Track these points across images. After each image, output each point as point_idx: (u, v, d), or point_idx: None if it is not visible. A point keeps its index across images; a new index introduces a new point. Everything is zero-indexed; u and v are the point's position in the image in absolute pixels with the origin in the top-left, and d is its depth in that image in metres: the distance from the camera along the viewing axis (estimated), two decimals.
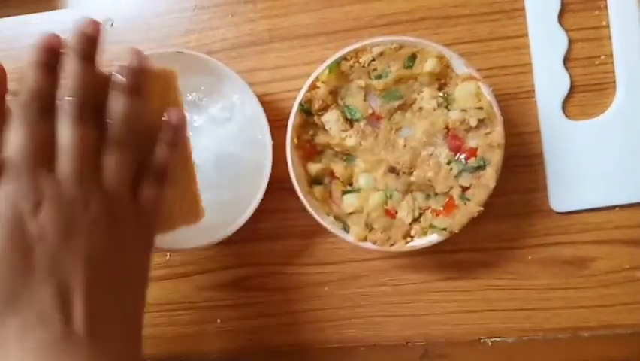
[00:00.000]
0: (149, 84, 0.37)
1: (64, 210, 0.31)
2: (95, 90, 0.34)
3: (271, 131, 0.47)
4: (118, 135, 0.34)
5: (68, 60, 0.33)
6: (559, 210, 0.50)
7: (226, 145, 0.50)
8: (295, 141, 0.47)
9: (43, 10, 0.54)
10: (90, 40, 0.34)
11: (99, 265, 0.32)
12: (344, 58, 0.46)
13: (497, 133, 0.45)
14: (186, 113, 0.39)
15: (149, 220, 0.37)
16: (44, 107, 0.33)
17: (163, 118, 0.37)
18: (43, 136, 0.32)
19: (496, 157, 0.45)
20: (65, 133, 0.32)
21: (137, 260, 0.36)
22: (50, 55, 0.34)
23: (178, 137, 0.38)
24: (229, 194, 0.49)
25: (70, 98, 0.33)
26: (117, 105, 0.34)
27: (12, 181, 0.31)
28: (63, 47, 0.34)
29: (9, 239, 0.30)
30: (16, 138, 0.32)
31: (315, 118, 0.47)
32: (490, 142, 0.45)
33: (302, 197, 0.46)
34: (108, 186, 0.34)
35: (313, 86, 0.46)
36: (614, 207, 0.49)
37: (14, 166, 0.31)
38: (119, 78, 0.35)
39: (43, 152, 0.32)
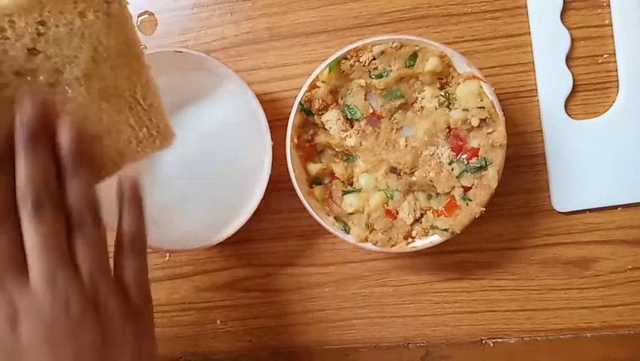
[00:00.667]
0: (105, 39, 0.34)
1: (42, 319, 0.30)
2: (47, 178, 0.32)
3: (270, 131, 0.46)
4: (80, 219, 0.32)
5: (17, 154, 0.31)
6: (561, 211, 0.49)
7: (225, 145, 0.49)
8: (295, 140, 0.46)
9: None
10: (34, 126, 0.32)
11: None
12: (344, 57, 0.46)
13: (499, 133, 0.44)
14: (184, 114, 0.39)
15: (138, 291, 0.35)
16: (3, 209, 0.31)
17: (117, 186, 0.36)
18: (8, 243, 0.30)
19: (498, 157, 0.45)
20: (29, 233, 0.30)
21: (133, 336, 0.34)
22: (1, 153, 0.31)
23: (139, 203, 0.36)
24: (228, 195, 0.49)
25: (25, 194, 0.31)
26: (70, 189, 0.32)
27: None
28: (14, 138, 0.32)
29: None
30: None
31: (315, 118, 0.47)
32: (492, 142, 0.45)
33: (302, 197, 0.46)
34: (86, 276, 0.32)
35: (313, 86, 0.46)
36: (616, 207, 0.49)
37: None
38: (62, 159, 0.33)
39: (10, 260, 0.30)
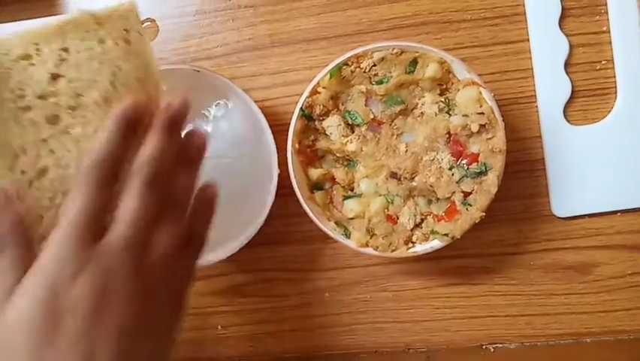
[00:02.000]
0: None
1: (100, 283, 0.31)
2: (167, 164, 0.34)
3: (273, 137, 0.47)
4: (177, 210, 0.35)
5: (154, 131, 0.34)
6: (560, 216, 0.50)
7: (232, 160, 0.50)
8: (296, 146, 0.47)
9: (42, 16, 0.54)
10: (178, 116, 0.35)
11: (127, 341, 0.31)
12: (345, 63, 0.46)
13: (499, 138, 0.45)
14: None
15: (184, 286, 0.36)
16: (110, 173, 0.33)
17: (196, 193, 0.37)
18: (99, 204, 0.32)
19: (497, 162, 0.45)
20: (131, 198, 0.32)
21: (166, 331, 0.35)
22: (133, 122, 0.34)
23: (212, 211, 0.38)
24: (232, 207, 0.49)
25: (146, 163, 0.33)
26: (183, 180, 0.35)
27: (56, 248, 0.31)
28: (147, 116, 0.35)
29: (39, 307, 0.30)
30: (72, 202, 0.32)
31: (316, 123, 0.47)
32: (491, 147, 0.45)
33: (303, 202, 0.46)
34: (158, 257, 0.33)
35: (314, 92, 0.46)
36: (615, 212, 0.49)
37: (63, 232, 0.31)
38: (185, 152, 0.36)
39: (94, 221, 0.32)
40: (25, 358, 0.29)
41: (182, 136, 0.36)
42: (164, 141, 0.34)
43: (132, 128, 0.34)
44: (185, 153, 0.36)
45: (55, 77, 0.35)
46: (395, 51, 0.45)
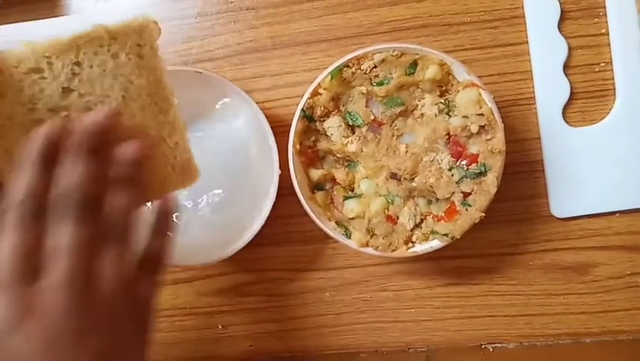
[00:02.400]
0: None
1: (49, 324, 0.29)
2: (97, 186, 0.32)
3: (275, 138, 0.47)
4: (117, 232, 0.32)
5: (73, 156, 0.31)
6: (559, 216, 0.50)
7: (234, 162, 0.51)
8: (297, 147, 0.47)
9: (45, 17, 0.54)
10: (98, 133, 0.32)
11: None
12: (346, 65, 0.46)
13: (498, 139, 0.45)
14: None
15: (147, 310, 0.35)
16: (38, 209, 0.31)
17: (155, 205, 0.36)
18: (33, 243, 0.30)
19: (497, 163, 0.45)
20: (64, 234, 0.30)
21: (136, 352, 0.33)
22: (50, 150, 0.31)
23: (170, 225, 0.37)
24: (235, 206, 0.50)
25: (72, 196, 0.31)
26: (115, 200, 0.32)
27: None
28: (64, 139, 0.32)
29: None
30: (3, 244, 0.30)
31: (317, 124, 0.47)
32: (491, 148, 0.45)
33: (304, 203, 0.46)
34: (105, 287, 0.31)
35: (315, 93, 0.47)
36: (614, 213, 0.50)
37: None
38: (117, 170, 0.33)
39: (31, 260, 0.30)
40: None
41: (119, 151, 0.33)
42: (86, 164, 0.31)
43: (49, 158, 0.31)
44: (118, 170, 0.33)
45: (67, 90, 0.35)
46: (395, 53, 0.46)
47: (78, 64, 0.35)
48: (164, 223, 0.37)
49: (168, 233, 0.37)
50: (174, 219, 0.38)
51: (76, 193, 0.31)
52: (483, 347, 0.52)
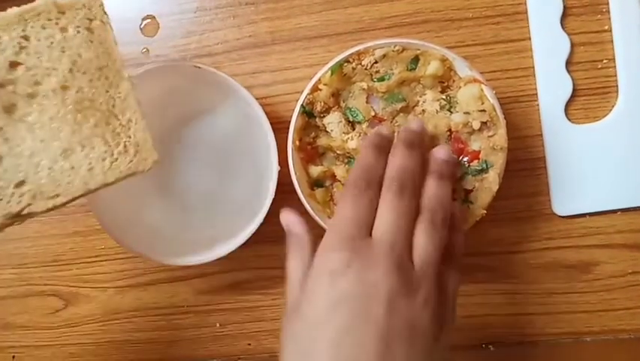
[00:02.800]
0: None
1: (366, 275, 0.33)
2: (414, 175, 0.38)
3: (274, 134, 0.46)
4: (431, 218, 0.36)
5: (396, 147, 0.39)
6: (561, 214, 0.49)
7: (232, 156, 0.50)
8: (297, 143, 0.46)
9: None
10: (415, 135, 0.41)
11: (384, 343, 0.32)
12: (346, 60, 0.46)
13: (500, 136, 0.45)
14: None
15: (451, 301, 0.37)
16: (370, 181, 0.37)
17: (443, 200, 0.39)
18: (368, 206, 0.36)
19: (499, 160, 0.45)
20: (385, 209, 0.36)
21: (429, 339, 0.34)
22: (383, 141, 0.40)
23: (462, 220, 0.41)
24: (232, 204, 0.50)
25: (395, 178, 0.37)
26: (432, 189, 0.38)
27: (331, 239, 0.35)
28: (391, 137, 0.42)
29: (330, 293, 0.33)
30: (344, 210, 0.36)
31: (317, 120, 0.47)
32: (493, 145, 0.45)
33: (303, 199, 0.46)
34: (417, 263, 0.35)
35: (315, 88, 0.46)
36: (616, 211, 0.49)
37: (337, 227, 0.36)
38: (435, 164, 0.39)
39: (363, 222, 0.35)
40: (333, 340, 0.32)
41: (435, 150, 0.41)
42: (409, 154, 0.38)
43: (381, 147, 0.40)
44: (430, 166, 0.39)
45: (13, 64, 0.34)
46: (397, 48, 0.45)
47: (26, 37, 0.35)
48: (457, 220, 0.40)
49: (462, 228, 0.41)
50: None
51: (397, 177, 0.37)
52: (483, 346, 0.51)
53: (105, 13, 0.37)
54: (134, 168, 0.37)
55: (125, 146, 0.37)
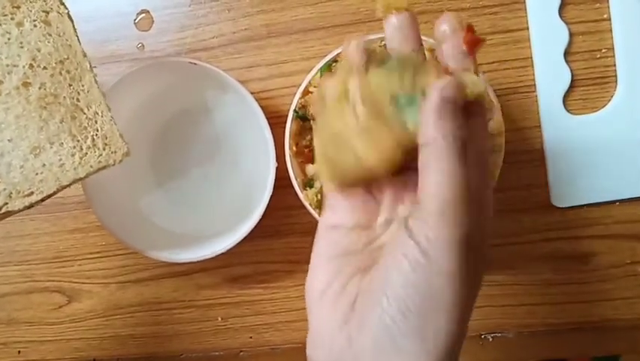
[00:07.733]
0: None
1: None
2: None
3: (271, 128, 0.46)
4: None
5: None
6: (560, 206, 0.49)
7: (230, 154, 0.50)
8: (294, 148, 0.46)
9: None
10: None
11: None
12: (334, 60, 0.45)
13: (496, 121, 0.44)
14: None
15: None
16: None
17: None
18: None
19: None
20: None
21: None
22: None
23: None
24: (231, 199, 0.50)
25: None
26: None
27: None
28: None
29: None
30: None
31: (312, 123, 0.46)
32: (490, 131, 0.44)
33: (301, 195, 0.46)
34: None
35: (306, 92, 0.45)
36: (614, 202, 0.49)
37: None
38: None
39: None
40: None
41: None
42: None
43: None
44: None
45: None
46: (383, 43, 0.44)
47: None
48: None
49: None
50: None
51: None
52: (483, 336, 0.52)
53: (62, 3, 0.36)
54: (104, 161, 0.37)
55: (93, 140, 0.36)
